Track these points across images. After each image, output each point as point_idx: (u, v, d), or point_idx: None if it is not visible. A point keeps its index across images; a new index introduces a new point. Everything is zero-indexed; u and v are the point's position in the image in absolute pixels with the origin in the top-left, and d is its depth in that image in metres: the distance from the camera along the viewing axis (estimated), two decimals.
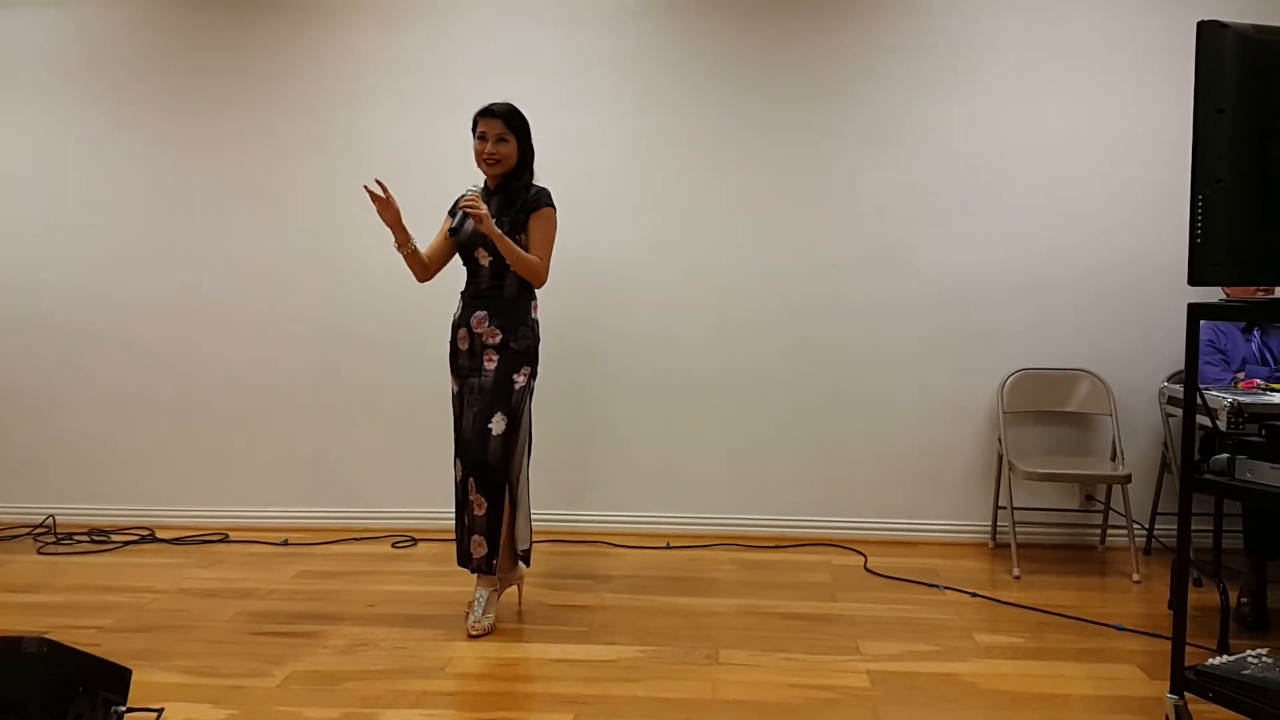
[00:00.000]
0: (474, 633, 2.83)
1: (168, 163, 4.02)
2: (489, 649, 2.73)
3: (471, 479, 2.84)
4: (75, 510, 4.07)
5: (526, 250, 2.88)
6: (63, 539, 3.86)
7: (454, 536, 2.97)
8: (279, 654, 2.68)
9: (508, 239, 2.82)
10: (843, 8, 3.77)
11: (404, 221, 2.92)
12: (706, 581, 3.34)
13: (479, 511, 2.84)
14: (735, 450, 3.88)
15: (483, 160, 2.89)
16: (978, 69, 3.73)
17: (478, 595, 2.89)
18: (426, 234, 3.85)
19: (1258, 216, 1.96)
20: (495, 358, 2.88)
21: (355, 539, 3.86)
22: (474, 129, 2.90)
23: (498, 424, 2.83)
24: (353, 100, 3.93)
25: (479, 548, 2.86)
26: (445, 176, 3.83)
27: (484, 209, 2.76)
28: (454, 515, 2.95)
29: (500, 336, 2.88)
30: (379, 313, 3.96)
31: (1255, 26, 1.96)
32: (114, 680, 1.90)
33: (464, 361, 2.94)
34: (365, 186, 2.85)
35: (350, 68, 3.93)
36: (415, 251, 2.98)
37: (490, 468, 2.83)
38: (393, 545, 3.79)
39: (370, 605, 3.09)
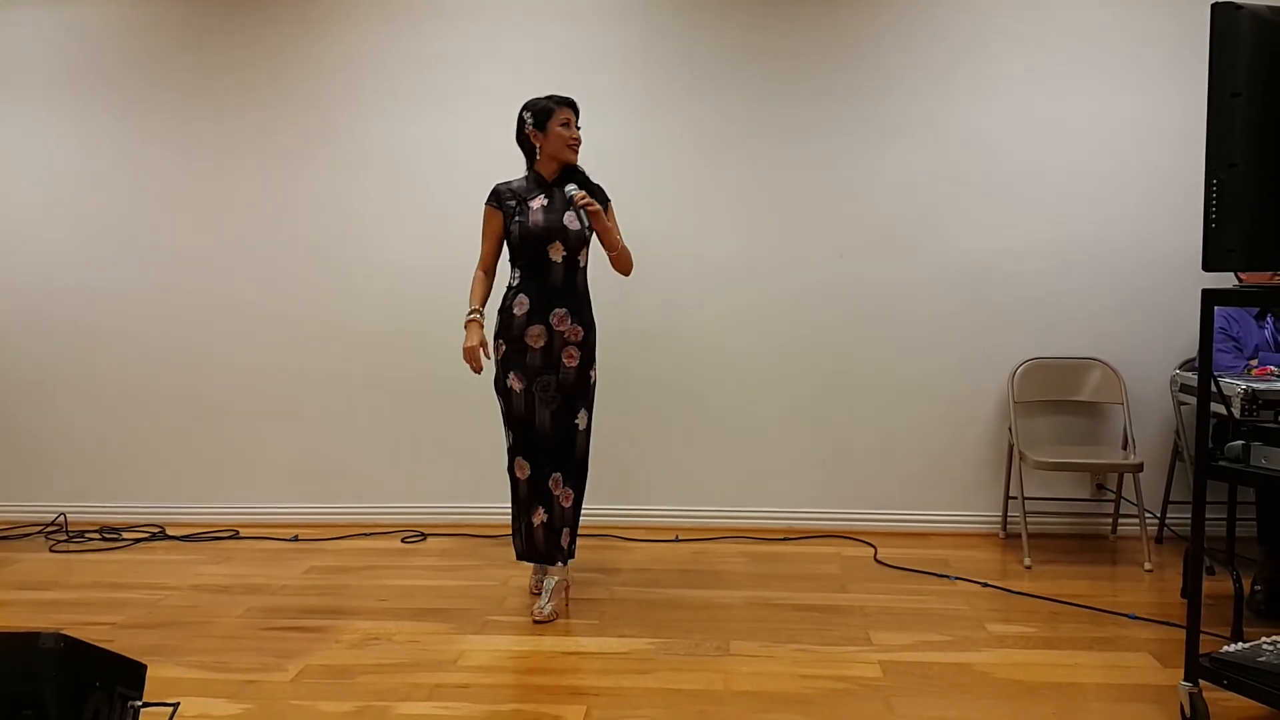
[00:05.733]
0: (539, 618, 2.85)
1: (173, 163, 4.02)
2: (501, 642, 2.73)
3: (558, 474, 2.87)
4: (86, 508, 4.08)
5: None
6: (74, 537, 3.87)
7: (510, 532, 3.04)
8: (292, 649, 2.69)
9: (616, 231, 2.93)
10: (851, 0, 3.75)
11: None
12: (716, 574, 3.34)
13: (567, 504, 2.90)
14: (744, 442, 3.88)
15: (568, 145, 2.88)
16: (986, 59, 3.71)
17: (546, 584, 2.94)
18: (432, 234, 3.89)
19: (1272, 201, 1.93)
20: (576, 355, 2.88)
21: (365, 534, 3.87)
22: (548, 117, 2.86)
23: (582, 419, 2.91)
24: (357, 98, 3.92)
25: (567, 538, 2.91)
26: (450, 174, 3.86)
27: (596, 205, 2.83)
28: (510, 511, 2.99)
29: (582, 334, 2.89)
30: (386, 310, 3.96)
31: (1270, 8, 1.92)
32: (130, 675, 1.90)
33: (536, 360, 2.85)
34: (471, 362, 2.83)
35: (354, 65, 3.92)
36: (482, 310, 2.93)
37: (577, 461, 2.91)
38: (402, 540, 3.79)
39: (381, 600, 3.09)
